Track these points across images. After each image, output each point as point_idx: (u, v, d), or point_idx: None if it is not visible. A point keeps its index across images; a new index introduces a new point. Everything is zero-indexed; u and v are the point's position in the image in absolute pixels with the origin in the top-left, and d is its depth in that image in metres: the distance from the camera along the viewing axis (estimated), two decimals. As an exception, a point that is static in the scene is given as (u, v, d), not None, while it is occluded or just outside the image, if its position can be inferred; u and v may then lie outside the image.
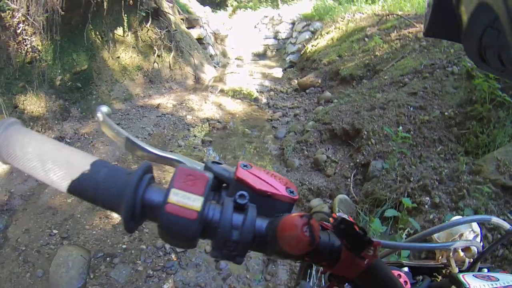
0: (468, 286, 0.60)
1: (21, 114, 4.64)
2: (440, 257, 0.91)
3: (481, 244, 0.83)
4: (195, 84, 8.38)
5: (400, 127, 3.92)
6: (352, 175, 3.96)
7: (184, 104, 6.73)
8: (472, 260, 0.84)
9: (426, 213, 2.96)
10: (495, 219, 0.79)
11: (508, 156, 3.07)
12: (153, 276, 2.93)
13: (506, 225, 0.78)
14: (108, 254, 3.10)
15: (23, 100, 4.70)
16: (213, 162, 0.52)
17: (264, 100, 7.47)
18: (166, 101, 6.76)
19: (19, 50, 4.69)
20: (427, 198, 3.05)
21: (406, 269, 0.80)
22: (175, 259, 3.13)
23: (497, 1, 0.35)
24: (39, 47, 4.98)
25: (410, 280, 0.77)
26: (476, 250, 0.82)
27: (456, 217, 0.84)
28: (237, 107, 7.00)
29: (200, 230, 0.43)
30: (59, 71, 5.32)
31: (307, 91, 7.57)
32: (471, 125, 3.65)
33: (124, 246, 3.21)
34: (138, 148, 0.57)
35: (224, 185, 0.52)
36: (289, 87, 8.42)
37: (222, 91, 8.00)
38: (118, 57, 6.78)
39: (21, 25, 4.67)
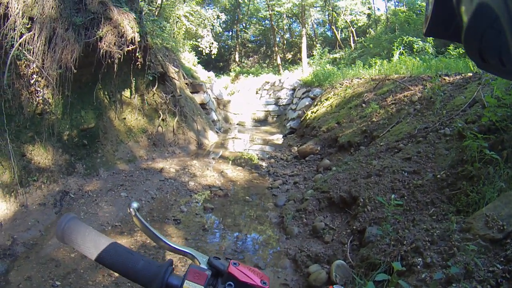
0: None
1: (28, 163, 4.82)
2: None
3: None
4: (197, 149, 8.68)
5: (393, 195, 4.13)
6: (349, 241, 4.15)
7: (186, 170, 6.94)
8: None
9: (418, 273, 3.12)
10: None
11: (496, 211, 3.24)
12: None
13: None
14: (112, 313, 3.14)
15: (31, 150, 4.93)
16: (214, 257, 0.79)
17: (265, 167, 7.72)
18: (169, 166, 6.99)
19: (31, 100, 4.99)
20: (420, 259, 3.22)
21: None
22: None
23: (497, 1, 0.37)
24: (50, 100, 5.30)
25: None
26: None
27: None
28: (238, 174, 7.21)
29: None
30: (67, 126, 5.61)
31: (307, 158, 7.87)
32: (462, 185, 3.86)
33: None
34: (161, 241, 0.83)
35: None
36: (289, 154, 8.74)
37: (223, 157, 8.27)
38: (124, 118, 7.13)
39: (34, 76, 5.03)
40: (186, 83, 10.88)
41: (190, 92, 10.97)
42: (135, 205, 0.85)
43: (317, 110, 10.37)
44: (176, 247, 0.82)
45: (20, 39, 4.91)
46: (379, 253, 3.59)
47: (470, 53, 0.48)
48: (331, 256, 4.08)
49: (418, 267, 3.19)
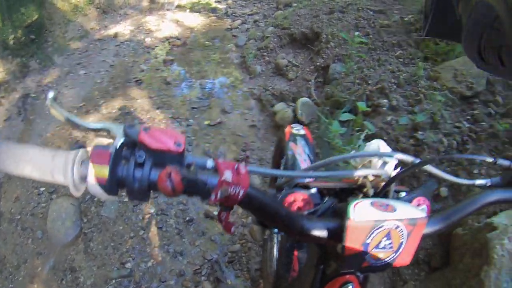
0: (350, 217, 0.61)
1: (-20, 86, 4.11)
2: (358, 179, 0.85)
3: (392, 171, 0.80)
4: (150, 4, 7.51)
5: (357, 32, 3.70)
6: (313, 78, 3.80)
7: (141, 28, 6.13)
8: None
9: (384, 115, 2.88)
10: (399, 155, 0.78)
11: (466, 67, 2.96)
12: (139, 204, 2.93)
13: (410, 159, 0.76)
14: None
15: (-22, 73, 4.13)
16: (128, 125, 0.60)
17: (223, 10, 6.86)
18: (123, 29, 6.13)
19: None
20: (385, 101, 2.96)
21: (314, 190, 0.78)
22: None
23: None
24: (-17, 14, 4.27)
25: (316, 201, 0.77)
26: (385, 177, 0.79)
27: (367, 147, 0.86)
28: (195, 20, 6.44)
29: (116, 182, 0.56)
30: (10, 30, 4.68)
31: (266, -5, 7.03)
32: (431, 32, 3.49)
33: (109, 181, 3.12)
34: (75, 124, 0.70)
35: None
36: (247, -7, 7.82)
37: (179, 6, 7.28)
38: None
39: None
40: None
41: None
42: (50, 95, 0.72)
43: None
44: (91, 126, 0.70)
45: None
46: (344, 91, 3.27)
47: (469, 52, 0.47)
48: (295, 93, 3.74)
49: (384, 108, 2.93)
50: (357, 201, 0.64)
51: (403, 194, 0.80)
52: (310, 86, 3.70)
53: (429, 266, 2.29)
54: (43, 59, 4.99)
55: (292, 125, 1.76)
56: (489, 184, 0.79)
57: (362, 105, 2.74)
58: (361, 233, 0.62)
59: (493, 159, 0.74)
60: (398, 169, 0.80)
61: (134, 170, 0.56)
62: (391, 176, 0.77)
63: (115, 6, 6.81)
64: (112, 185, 0.56)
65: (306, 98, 3.52)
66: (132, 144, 0.60)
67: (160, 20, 6.41)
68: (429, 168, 0.77)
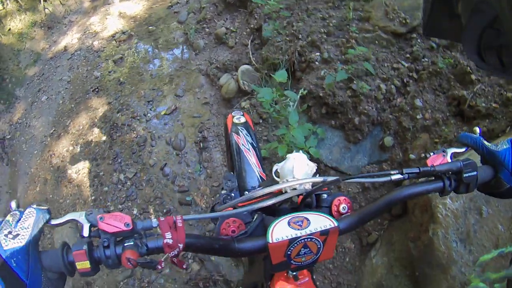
0: (269, 241, 0.72)
1: None
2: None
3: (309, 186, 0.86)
4: (92, 2, 7.27)
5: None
6: (250, 41, 3.68)
7: (87, 32, 5.85)
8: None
9: (317, 69, 2.79)
10: (312, 179, 0.83)
11: (396, 1, 2.76)
12: (123, 208, 3.15)
13: (320, 179, 0.81)
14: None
15: None
16: (87, 212, 0.74)
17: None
18: (71, 39, 5.88)
19: None
20: (317, 54, 2.85)
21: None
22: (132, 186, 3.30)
23: None
24: None
25: (247, 219, 0.86)
26: (304, 191, 0.85)
27: (285, 163, 0.91)
28: (137, 7, 6.11)
29: (95, 263, 0.71)
30: None
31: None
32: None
33: (93, 197, 3.32)
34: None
35: None
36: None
37: None
38: (9, 29, 5.80)
39: None
40: None
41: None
42: (13, 205, 0.76)
43: None
44: (58, 222, 0.77)
45: None
46: (277, 52, 3.16)
47: (469, 52, 0.45)
48: (237, 61, 3.65)
49: (316, 63, 2.81)
50: (276, 221, 0.76)
51: (324, 196, 0.89)
52: (249, 51, 3.60)
53: (391, 214, 2.33)
54: (7, 98, 4.96)
55: (233, 113, 1.78)
56: (406, 177, 0.81)
57: (280, 76, 2.47)
58: (281, 249, 0.73)
59: (397, 171, 0.79)
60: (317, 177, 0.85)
61: (104, 251, 0.71)
62: (309, 191, 0.84)
63: (58, 18, 6.52)
64: (94, 268, 0.71)
65: (246, 66, 3.44)
66: (94, 226, 0.74)
67: (104, 18, 6.13)
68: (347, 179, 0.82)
